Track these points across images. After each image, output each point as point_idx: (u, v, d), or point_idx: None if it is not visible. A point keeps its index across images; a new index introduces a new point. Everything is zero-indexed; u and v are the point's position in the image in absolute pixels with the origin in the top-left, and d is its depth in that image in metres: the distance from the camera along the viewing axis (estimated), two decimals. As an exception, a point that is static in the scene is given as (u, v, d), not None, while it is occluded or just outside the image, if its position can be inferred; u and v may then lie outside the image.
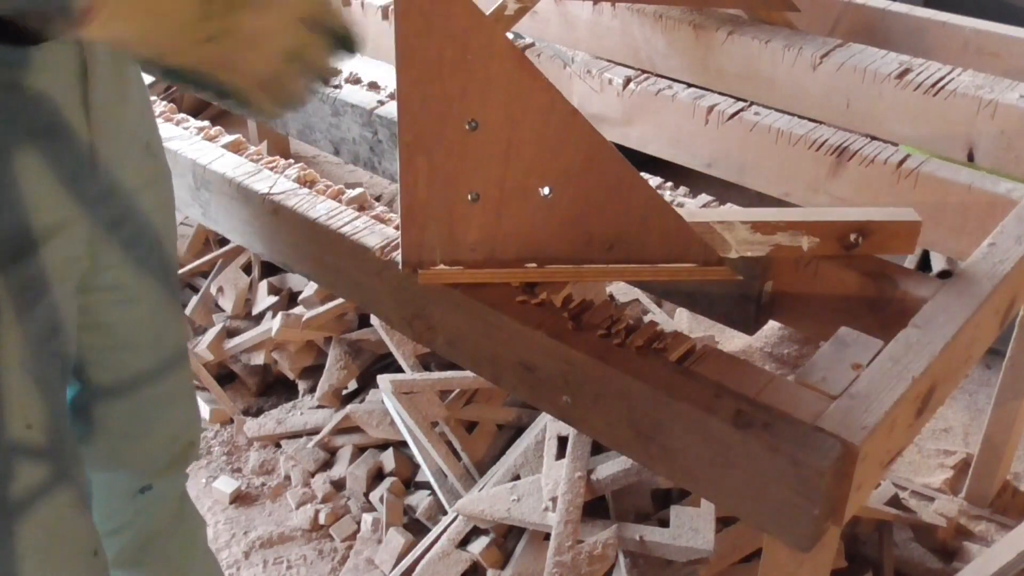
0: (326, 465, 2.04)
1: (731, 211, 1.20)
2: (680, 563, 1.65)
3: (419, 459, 1.94)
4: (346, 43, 0.83)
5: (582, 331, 1.01)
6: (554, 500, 1.69)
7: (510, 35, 1.79)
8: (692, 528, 1.63)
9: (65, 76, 0.87)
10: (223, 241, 2.43)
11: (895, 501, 1.83)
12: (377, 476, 1.98)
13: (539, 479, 1.76)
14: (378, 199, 2.03)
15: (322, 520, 1.92)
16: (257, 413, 2.19)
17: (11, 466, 0.93)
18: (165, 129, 1.45)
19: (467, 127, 0.98)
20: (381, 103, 1.50)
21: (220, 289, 2.34)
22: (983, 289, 1.07)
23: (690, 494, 1.71)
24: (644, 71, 1.70)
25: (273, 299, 2.28)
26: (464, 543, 1.77)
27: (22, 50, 0.81)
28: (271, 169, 1.32)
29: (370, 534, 1.87)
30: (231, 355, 2.24)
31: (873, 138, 1.48)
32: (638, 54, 1.81)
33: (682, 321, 2.30)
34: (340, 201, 1.25)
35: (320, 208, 1.23)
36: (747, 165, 1.54)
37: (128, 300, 1.11)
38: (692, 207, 1.26)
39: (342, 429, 2.06)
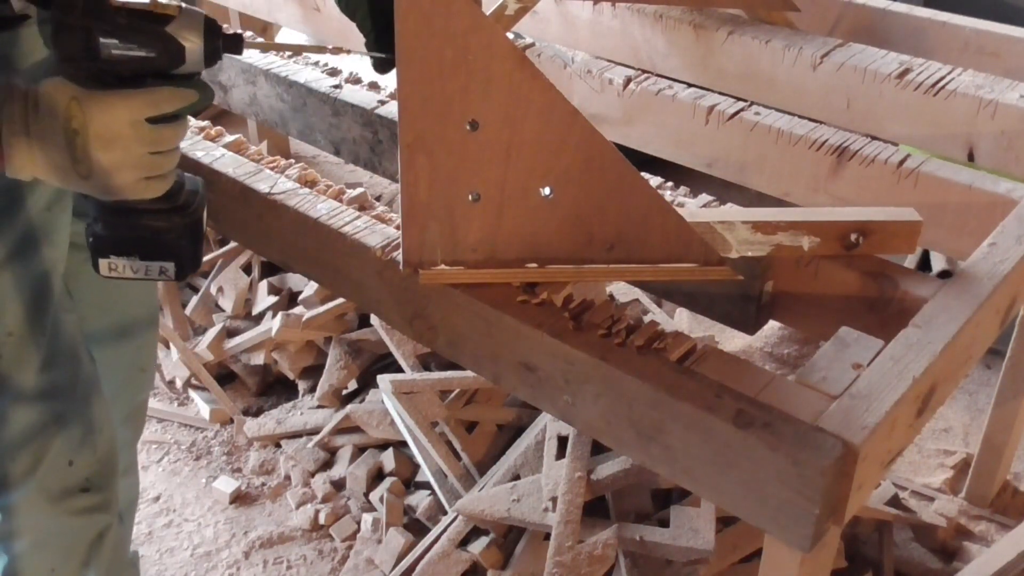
0: (326, 465, 2.04)
1: (732, 211, 1.20)
2: (680, 563, 1.65)
3: (419, 459, 1.94)
4: (201, 101, 0.97)
5: (583, 331, 1.01)
6: (554, 500, 1.69)
7: (510, 35, 1.79)
8: (692, 528, 1.63)
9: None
10: (223, 241, 2.43)
11: (895, 501, 1.83)
12: (377, 476, 1.98)
13: (539, 479, 1.76)
14: (378, 199, 2.03)
15: (322, 520, 1.92)
16: (257, 413, 2.19)
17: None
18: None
19: (468, 127, 0.98)
20: (381, 103, 1.51)
21: (220, 289, 2.34)
22: (983, 289, 1.07)
23: (690, 494, 1.71)
24: (644, 71, 1.70)
25: (273, 299, 2.28)
26: (464, 543, 1.77)
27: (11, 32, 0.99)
28: (272, 169, 1.32)
29: (370, 534, 1.87)
30: (231, 355, 2.24)
31: (873, 138, 1.48)
32: (638, 54, 1.81)
33: (682, 321, 2.30)
34: (341, 201, 1.25)
35: (321, 208, 1.23)
36: (747, 165, 1.54)
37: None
38: (693, 207, 1.26)
39: (342, 429, 2.06)
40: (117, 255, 1.01)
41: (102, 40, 0.89)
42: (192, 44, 0.91)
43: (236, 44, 0.97)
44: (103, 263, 1.01)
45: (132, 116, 0.91)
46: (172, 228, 1.01)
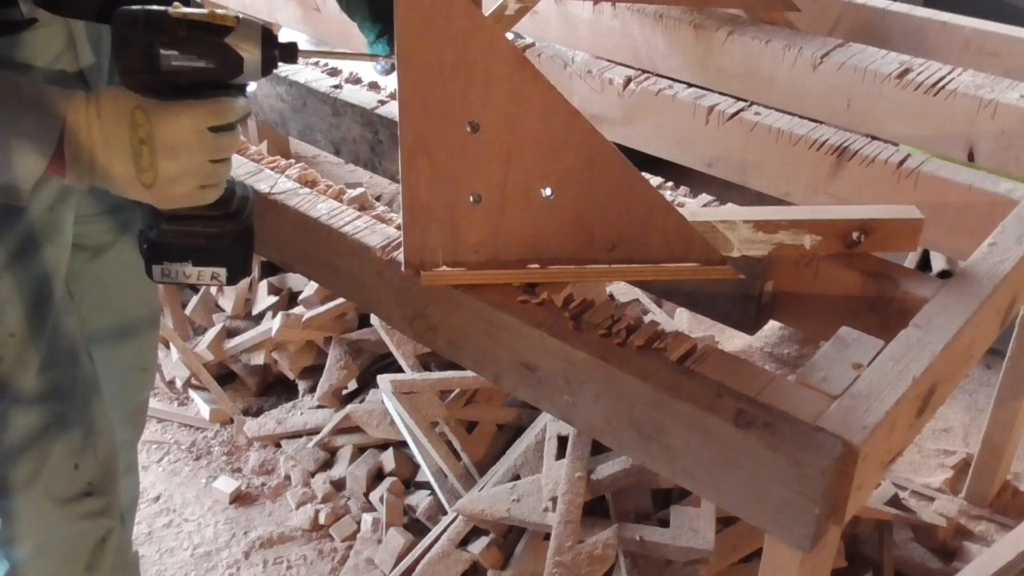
0: (326, 465, 2.04)
1: (732, 210, 1.20)
2: (680, 563, 1.65)
3: (419, 459, 1.94)
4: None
5: (583, 331, 1.01)
6: (554, 500, 1.69)
7: (510, 35, 1.79)
8: (692, 528, 1.63)
9: (55, 47, 1.03)
10: (223, 241, 2.43)
11: (895, 501, 1.83)
12: (377, 476, 1.98)
13: (539, 479, 1.76)
14: (378, 199, 2.03)
15: (322, 520, 1.92)
16: (257, 413, 2.19)
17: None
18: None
19: (468, 128, 0.98)
20: (382, 103, 1.50)
21: (220, 289, 2.34)
22: (983, 289, 1.07)
23: (690, 494, 1.71)
24: (644, 71, 1.70)
25: (273, 299, 2.27)
26: (464, 543, 1.77)
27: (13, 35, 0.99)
28: (272, 169, 1.33)
29: (370, 534, 1.87)
30: (231, 355, 2.24)
31: (873, 138, 1.48)
32: (638, 54, 1.81)
33: (682, 321, 2.30)
34: (341, 201, 1.25)
35: (321, 208, 1.23)
36: (748, 165, 1.54)
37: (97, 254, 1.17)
38: (693, 207, 1.26)
39: (342, 429, 2.06)
40: (171, 261, 1.01)
41: (163, 52, 0.89)
42: (250, 55, 0.92)
43: (291, 53, 0.97)
44: (156, 269, 1.01)
45: (197, 125, 0.92)
46: (224, 234, 1.01)
